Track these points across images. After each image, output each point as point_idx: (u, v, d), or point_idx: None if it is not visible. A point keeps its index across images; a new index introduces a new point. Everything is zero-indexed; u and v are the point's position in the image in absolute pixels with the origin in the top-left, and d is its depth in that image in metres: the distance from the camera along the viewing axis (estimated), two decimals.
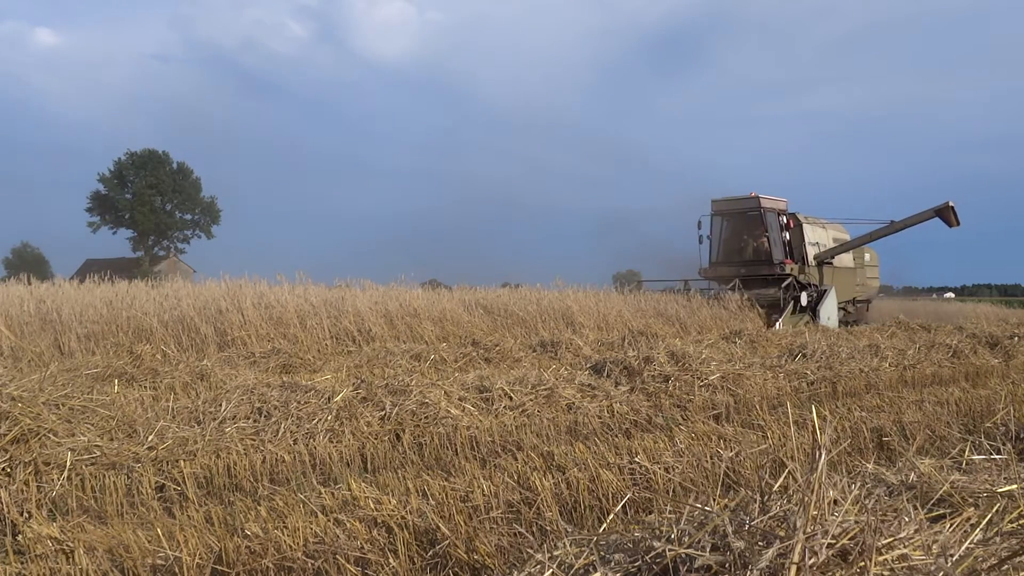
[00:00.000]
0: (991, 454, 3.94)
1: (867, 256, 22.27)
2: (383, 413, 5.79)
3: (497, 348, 10.11)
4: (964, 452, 3.87)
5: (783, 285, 17.63)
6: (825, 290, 18.59)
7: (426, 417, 5.79)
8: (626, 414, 6.54)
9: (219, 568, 3.42)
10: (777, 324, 16.45)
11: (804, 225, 19.61)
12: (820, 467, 2.31)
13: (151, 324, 10.90)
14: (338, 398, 5.81)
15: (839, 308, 20.16)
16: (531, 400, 6.38)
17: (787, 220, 19.15)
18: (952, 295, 65.23)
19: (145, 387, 7.20)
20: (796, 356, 9.20)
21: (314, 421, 5.50)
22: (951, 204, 18.42)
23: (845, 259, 21.02)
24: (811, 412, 2.86)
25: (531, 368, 8.18)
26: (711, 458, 4.96)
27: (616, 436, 5.90)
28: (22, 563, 3.45)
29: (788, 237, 19.09)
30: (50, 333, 10.43)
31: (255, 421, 5.48)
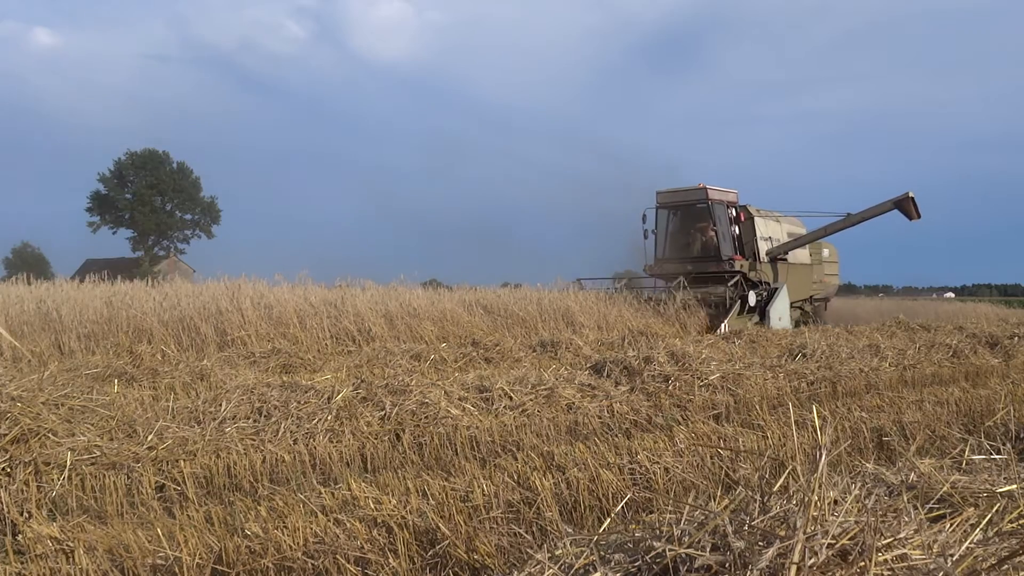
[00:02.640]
0: (991, 454, 3.93)
1: (825, 251, 21.08)
2: (383, 413, 5.79)
3: (497, 348, 10.12)
4: (964, 452, 3.87)
5: (730, 283, 16.41)
6: (776, 288, 17.29)
7: (426, 417, 5.79)
8: (626, 414, 6.54)
9: (219, 568, 3.42)
10: (722, 327, 15.11)
11: (756, 218, 18.30)
12: (821, 467, 2.31)
13: (151, 324, 10.90)
14: (338, 398, 5.81)
15: (795, 307, 19.15)
16: (531, 400, 6.38)
17: (738, 213, 17.94)
18: (952, 295, 65.24)
19: (145, 387, 7.21)
20: (796, 356, 9.20)
21: (314, 421, 5.50)
22: (911, 195, 17.21)
23: (801, 255, 19.77)
24: (812, 412, 2.86)
25: (531, 368, 8.19)
26: (711, 458, 4.96)
27: (616, 436, 5.90)
28: (22, 563, 3.45)
29: (738, 231, 17.87)
30: (50, 333, 10.43)
31: (255, 421, 5.48)
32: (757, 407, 6.90)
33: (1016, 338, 11.70)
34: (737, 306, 16.13)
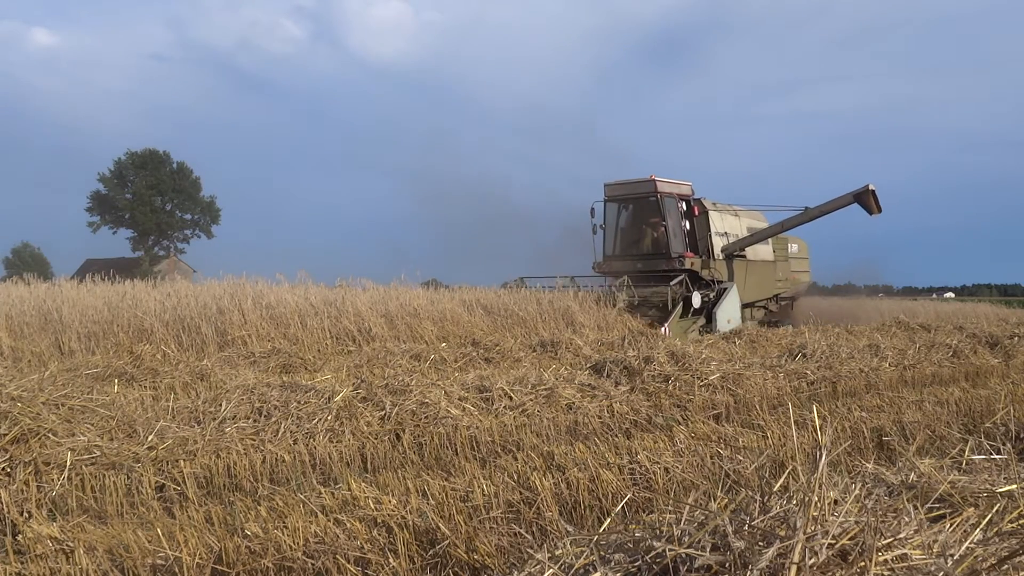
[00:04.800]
0: (991, 454, 3.93)
1: (794, 247, 19.74)
2: (383, 413, 5.79)
3: (497, 348, 10.11)
4: (964, 452, 3.87)
5: (673, 282, 15.24)
6: (725, 288, 15.86)
7: (426, 417, 5.79)
8: (626, 414, 6.54)
9: (219, 568, 3.42)
10: (663, 331, 13.88)
11: (711, 212, 17.07)
12: (821, 467, 2.31)
13: (151, 324, 10.90)
14: (338, 398, 5.81)
15: (757, 307, 18.19)
16: (531, 400, 6.38)
17: (690, 206, 16.82)
18: (952, 295, 65.28)
19: (145, 387, 7.20)
20: (796, 356, 9.20)
21: (314, 421, 5.50)
22: (871, 188, 16.03)
23: (762, 251, 18.41)
24: (812, 412, 2.86)
25: (531, 368, 8.19)
26: (711, 458, 4.96)
27: (616, 436, 5.90)
28: (22, 563, 3.45)
29: (688, 226, 16.66)
30: (50, 333, 10.43)
31: (255, 421, 5.48)
32: (757, 407, 6.91)
33: (1016, 338, 11.71)
34: (680, 308, 14.96)
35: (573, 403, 6.48)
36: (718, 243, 17.07)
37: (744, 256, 17.71)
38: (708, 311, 15.33)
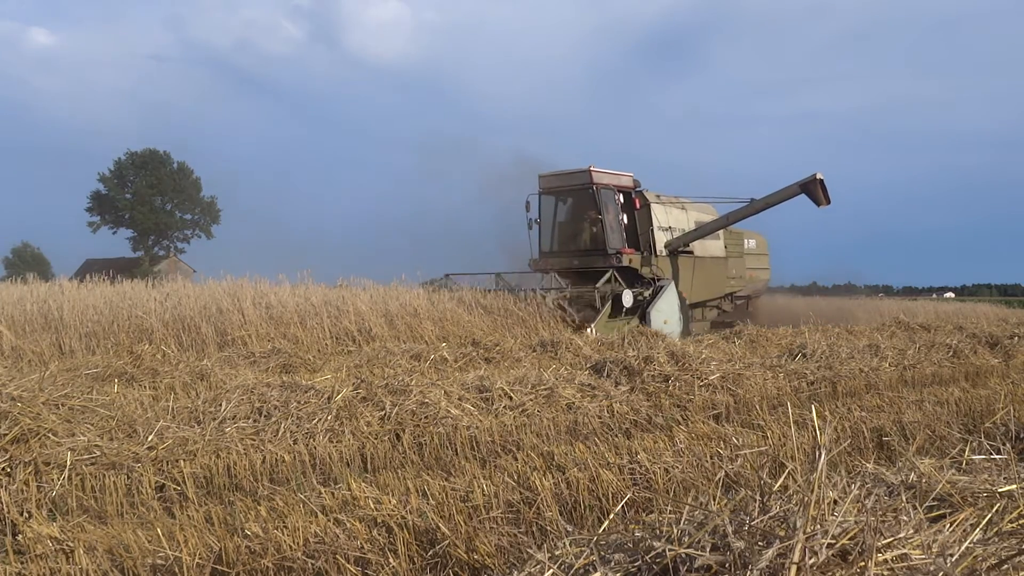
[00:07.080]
0: (991, 454, 3.93)
1: (751, 243, 18.69)
2: (383, 413, 5.79)
3: (497, 348, 10.11)
4: (964, 452, 3.87)
5: (601, 280, 14.27)
6: (661, 286, 14.81)
7: (426, 417, 5.79)
8: (626, 414, 6.54)
9: (219, 568, 3.42)
10: (589, 330, 12.97)
11: (654, 205, 16.06)
12: (820, 467, 2.31)
13: (151, 324, 10.90)
14: (338, 398, 5.81)
15: (709, 307, 17.46)
16: (531, 400, 6.38)
17: (630, 199, 15.90)
18: (952, 295, 65.34)
19: (145, 387, 7.20)
20: (796, 356, 9.20)
21: (314, 421, 5.50)
22: (819, 177, 15.06)
23: (712, 247, 17.36)
24: (811, 412, 2.86)
25: (531, 368, 8.18)
26: (711, 458, 4.96)
27: (616, 436, 5.91)
28: (22, 563, 3.45)
29: (626, 220, 15.71)
30: (51, 333, 10.44)
31: (255, 421, 5.48)
32: (757, 407, 6.91)
33: (1016, 338, 11.71)
34: (608, 307, 14.02)
35: (573, 403, 6.49)
36: (661, 238, 16.15)
37: (691, 252, 16.76)
38: (643, 311, 14.37)
